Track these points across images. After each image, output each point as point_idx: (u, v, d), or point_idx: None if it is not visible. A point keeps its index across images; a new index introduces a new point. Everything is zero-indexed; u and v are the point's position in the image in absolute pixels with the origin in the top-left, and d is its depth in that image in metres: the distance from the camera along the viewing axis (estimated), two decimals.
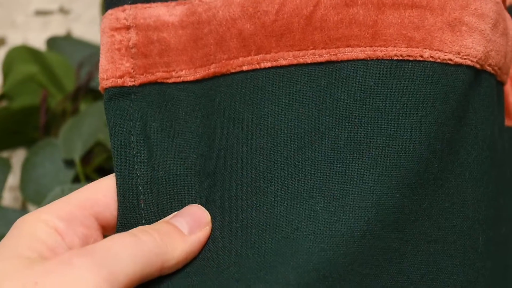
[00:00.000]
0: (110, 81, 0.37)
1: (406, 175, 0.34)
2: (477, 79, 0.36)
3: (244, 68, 0.35)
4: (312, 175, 0.34)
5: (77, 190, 0.35)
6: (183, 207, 0.36)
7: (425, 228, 0.35)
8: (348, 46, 0.34)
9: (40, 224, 0.32)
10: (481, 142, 0.37)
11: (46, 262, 0.30)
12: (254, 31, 0.35)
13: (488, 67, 0.37)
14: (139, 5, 0.37)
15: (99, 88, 0.38)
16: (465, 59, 0.35)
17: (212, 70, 0.36)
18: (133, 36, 0.37)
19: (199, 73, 0.36)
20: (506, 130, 0.49)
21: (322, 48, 0.35)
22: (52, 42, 0.70)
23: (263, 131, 0.35)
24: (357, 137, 0.34)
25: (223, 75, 0.36)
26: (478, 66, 0.36)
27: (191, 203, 0.36)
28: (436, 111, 0.35)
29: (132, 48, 0.37)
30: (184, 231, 0.34)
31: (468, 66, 0.36)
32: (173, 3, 0.37)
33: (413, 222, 0.34)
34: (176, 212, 0.35)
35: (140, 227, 0.34)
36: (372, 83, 0.34)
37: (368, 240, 0.33)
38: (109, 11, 0.37)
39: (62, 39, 0.72)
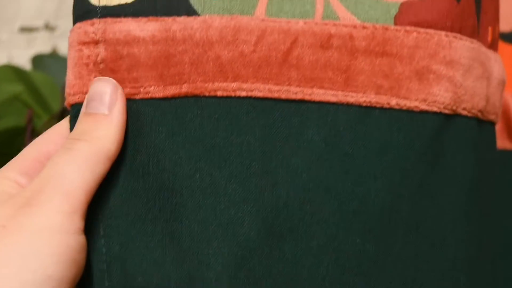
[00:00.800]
0: (77, 97, 0.36)
1: (368, 221, 0.35)
2: (451, 124, 0.37)
3: (219, 93, 0.35)
4: (283, 214, 0.35)
5: (32, 143, 0.37)
6: (143, 221, 0.35)
7: (399, 271, 0.35)
8: (322, 88, 0.35)
9: (4, 180, 0.35)
10: (461, 184, 0.37)
11: (6, 207, 0.33)
12: (232, 58, 0.35)
13: (463, 111, 0.37)
14: (109, 19, 0.36)
15: (65, 103, 0.37)
16: (431, 106, 0.36)
17: (184, 89, 0.35)
18: (101, 51, 0.36)
19: (169, 91, 0.36)
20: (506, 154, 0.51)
21: (297, 86, 0.35)
22: (38, 60, 0.69)
23: (237, 160, 0.35)
24: (326, 180, 0.35)
25: (195, 96, 0.36)
26: (447, 111, 0.36)
27: (153, 219, 0.35)
28: (400, 157, 0.36)
29: (100, 63, 0.36)
30: (103, 112, 0.35)
31: (435, 113, 0.36)
32: (144, 19, 0.36)
33: (382, 266, 0.35)
34: (86, 98, 0.36)
35: (69, 137, 0.35)
36: (341, 128, 0.35)
37: (329, 285, 0.34)
38: (78, 25, 0.37)
39: (48, 56, 0.70)
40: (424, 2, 0.36)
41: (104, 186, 0.35)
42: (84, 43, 0.36)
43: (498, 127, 0.45)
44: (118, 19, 0.36)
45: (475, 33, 0.38)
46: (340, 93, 0.35)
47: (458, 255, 0.37)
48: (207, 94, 0.35)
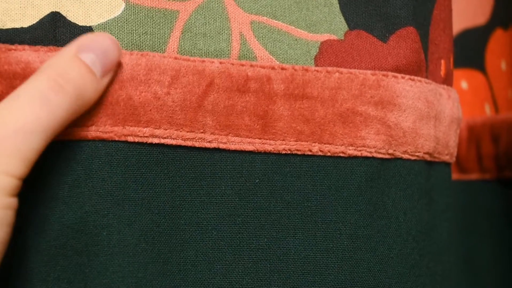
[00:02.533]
0: None
1: (289, 280, 0.33)
2: (390, 169, 0.35)
3: (130, 139, 0.32)
4: (192, 276, 0.32)
5: None
6: (45, 282, 0.31)
7: None
8: (238, 136, 0.33)
9: None
10: (405, 234, 0.35)
11: None
12: (145, 100, 0.32)
13: (403, 155, 0.35)
14: (1, 46, 0.31)
15: None
16: (360, 150, 0.34)
17: (93, 133, 0.32)
18: None
19: (74, 134, 0.32)
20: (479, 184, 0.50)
21: (212, 133, 0.33)
22: None
23: (147, 216, 0.32)
24: (239, 237, 0.33)
25: (104, 141, 0.32)
26: (381, 156, 0.34)
27: (55, 280, 0.31)
28: (324, 208, 0.33)
29: None
30: (97, 73, 0.31)
31: (366, 158, 0.34)
32: (45, 49, 0.32)
33: None
34: (85, 38, 0.31)
35: (50, 80, 0.30)
36: (257, 181, 0.33)
37: None
38: None
39: None
40: (344, 43, 0.35)
41: (7, 241, 0.29)
42: None
43: None
44: (12, 46, 0.31)
45: (421, 69, 0.36)
46: (257, 141, 0.33)
47: None
48: (116, 138, 0.32)
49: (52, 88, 0.29)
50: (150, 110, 0.32)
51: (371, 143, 0.34)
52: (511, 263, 0.49)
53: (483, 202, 0.50)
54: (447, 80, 0.40)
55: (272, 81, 0.33)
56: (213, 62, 0.33)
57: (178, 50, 0.33)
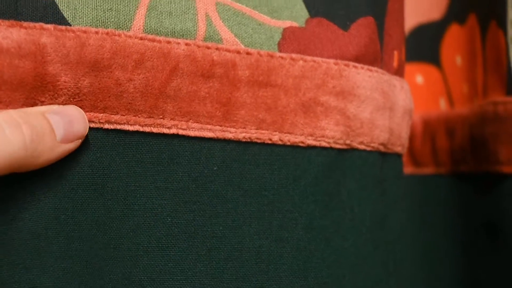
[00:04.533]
0: None
1: (242, 268, 0.32)
2: (346, 159, 0.35)
3: (91, 125, 0.31)
4: (144, 262, 0.31)
5: None
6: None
7: None
8: (198, 122, 0.32)
9: None
10: (359, 224, 0.35)
11: None
12: (106, 86, 0.31)
13: (359, 145, 0.35)
14: None
15: None
16: (319, 141, 0.34)
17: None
18: None
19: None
20: (433, 178, 0.50)
21: (171, 119, 0.32)
22: None
23: (99, 201, 0.31)
24: (194, 224, 0.32)
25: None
26: (339, 146, 0.34)
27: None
28: (281, 197, 0.33)
29: None
30: (58, 136, 0.30)
31: (324, 148, 0.34)
32: (6, 23, 0.30)
33: None
34: (58, 107, 0.30)
35: (10, 115, 0.28)
36: (215, 167, 0.32)
37: None
38: None
39: None
40: (307, 30, 0.34)
41: None
42: None
43: None
44: None
45: (377, 60, 0.36)
46: (217, 128, 0.32)
47: None
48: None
49: (9, 122, 0.28)
50: (109, 97, 0.31)
51: (330, 134, 0.34)
52: (464, 256, 0.49)
53: (439, 195, 0.50)
54: (399, 72, 0.40)
55: (237, 66, 0.32)
56: (179, 43, 0.32)
57: (144, 29, 0.32)
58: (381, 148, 0.36)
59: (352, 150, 0.35)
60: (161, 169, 0.32)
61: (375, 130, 0.35)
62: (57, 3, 0.31)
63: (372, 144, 0.35)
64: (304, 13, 0.34)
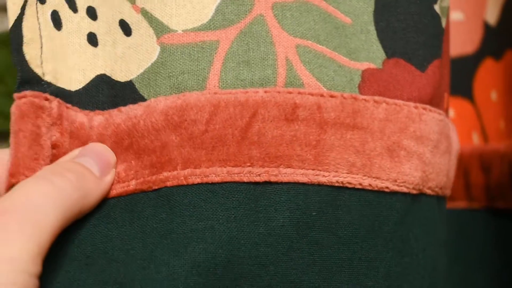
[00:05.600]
0: (22, 179, 0.31)
1: None
2: (416, 204, 0.34)
3: (168, 183, 0.31)
4: None
5: None
6: None
7: None
8: (289, 167, 0.31)
9: None
10: (423, 270, 0.35)
11: None
12: (180, 142, 0.31)
13: (427, 190, 0.35)
14: (62, 102, 0.32)
15: (6, 184, 0.32)
16: (401, 186, 0.33)
17: (132, 187, 0.32)
18: (56, 135, 0.32)
19: (117, 190, 0.32)
20: (466, 213, 0.49)
21: (260, 166, 0.31)
22: None
23: (200, 246, 0.30)
24: (293, 273, 0.31)
25: (144, 192, 0.32)
26: (414, 191, 0.34)
27: None
28: (367, 245, 0.32)
29: (53, 148, 0.32)
30: (95, 173, 0.31)
31: (403, 193, 0.34)
32: (92, 113, 0.33)
33: None
34: (80, 150, 0.32)
35: (49, 169, 0.31)
36: (314, 213, 0.31)
37: None
38: (28, 93, 0.31)
39: None
40: (384, 72, 0.33)
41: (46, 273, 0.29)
42: (40, 118, 0.31)
43: None
44: (70, 106, 0.32)
45: (440, 103, 0.36)
46: (310, 172, 0.31)
47: None
48: (155, 187, 0.31)
49: (54, 172, 0.30)
50: (187, 151, 0.31)
51: (410, 179, 0.33)
52: None
53: (472, 231, 0.50)
54: (447, 113, 0.39)
55: (322, 109, 0.32)
56: (257, 92, 0.31)
57: (219, 84, 0.31)
58: (440, 192, 0.36)
59: (421, 195, 0.35)
60: (261, 216, 0.31)
61: (440, 175, 0.35)
62: (133, 82, 0.32)
63: (436, 189, 0.35)
64: (381, 54, 0.34)
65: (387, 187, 0.33)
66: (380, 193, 0.33)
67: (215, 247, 0.30)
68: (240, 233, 0.31)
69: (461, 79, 0.52)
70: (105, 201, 0.32)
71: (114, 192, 0.32)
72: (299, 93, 0.32)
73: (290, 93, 0.31)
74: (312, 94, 0.32)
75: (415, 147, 0.33)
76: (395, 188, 0.33)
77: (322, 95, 0.32)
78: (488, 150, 0.50)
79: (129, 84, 0.32)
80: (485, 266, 0.49)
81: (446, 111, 0.39)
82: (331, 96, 0.32)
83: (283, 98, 0.31)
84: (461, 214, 0.50)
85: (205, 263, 0.30)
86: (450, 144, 0.36)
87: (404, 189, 0.33)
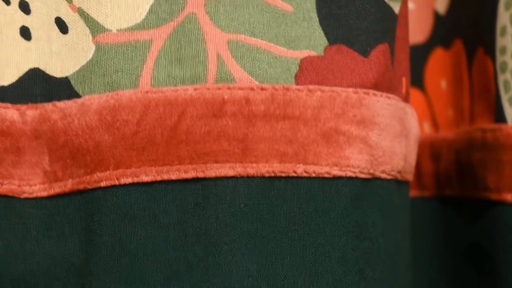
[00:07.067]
0: None
1: None
2: (369, 188, 0.35)
3: (102, 184, 0.32)
4: None
5: None
6: None
7: None
8: (217, 162, 0.32)
9: None
10: (384, 255, 0.35)
11: None
12: (112, 142, 0.32)
13: (381, 174, 0.35)
14: None
15: None
16: (345, 170, 0.33)
17: (69, 186, 0.33)
18: None
19: (55, 189, 0.33)
20: (417, 201, 0.50)
21: (188, 163, 0.32)
22: None
23: (127, 257, 0.32)
24: (227, 266, 0.32)
25: (80, 192, 0.33)
26: (363, 175, 0.34)
27: None
28: (311, 231, 0.33)
29: None
30: None
31: (350, 178, 0.34)
32: (24, 107, 0.33)
33: None
34: None
35: None
36: (242, 205, 0.32)
37: None
38: None
39: None
40: (325, 59, 0.34)
41: None
42: None
43: None
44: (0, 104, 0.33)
45: (391, 87, 0.36)
46: (238, 165, 0.32)
47: None
48: (89, 187, 0.32)
49: None
50: (119, 151, 0.31)
51: (355, 163, 0.33)
52: (448, 283, 0.50)
53: (422, 219, 0.51)
54: (407, 98, 0.40)
55: (250, 102, 0.32)
56: (187, 89, 0.32)
57: (151, 83, 0.32)
58: (398, 176, 0.36)
59: (375, 179, 0.35)
60: (188, 217, 0.32)
61: (395, 158, 0.35)
62: (69, 78, 0.33)
63: (392, 173, 0.35)
64: (323, 41, 0.34)
65: (327, 173, 0.33)
66: (321, 180, 0.33)
67: (141, 255, 0.32)
68: (166, 239, 0.31)
69: (412, 68, 0.52)
70: (43, 205, 0.33)
71: (52, 191, 0.33)
72: (228, 88, 0.32)
73: (219, 89, 0.32)
74: (241, 89, 0.32)
75: (356, 131, 0.33)
76: (338, 173, 0.33)
77: (252, 89, 0.32)
78: (438, 138, 0.50)
79: (65, 80, 0.33)
80: (433, 254, 0.50)
81: (406, 96, 0.39)
82: (262, 89, 0.32)
83: (211, 95, 0.32)
84: (413, 203, 0.51)
85: (132, 272, 0.31)
86: (405, 128, 0.36)
87: (350, 174, 0.33)
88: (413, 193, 0.51)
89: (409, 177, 0.38)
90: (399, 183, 0.37)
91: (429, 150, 0.50)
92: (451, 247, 0.49)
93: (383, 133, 0.34)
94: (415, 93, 0.52)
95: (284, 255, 0.32)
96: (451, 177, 0.49)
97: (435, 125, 0.52)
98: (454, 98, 0.51)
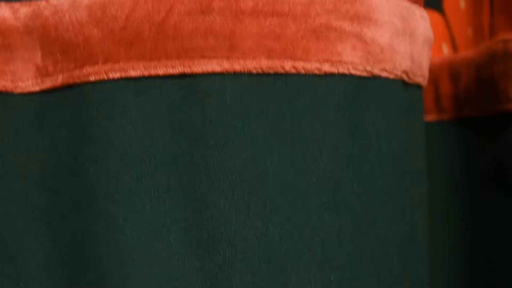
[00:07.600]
0: None
1: (268, 201, 0.31)
2: (369, 87, 0.33)
3: (91, 78, 0.32)
4: (165, 202, 0.32)
5: None
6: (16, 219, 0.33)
7: (316, 256, 0.32)
8: (204, 58, 0.31)
9: None
10: (387, 154, 0.34)
11: None
12: (101, 37, 0.32)
13: (382, 73, 0.34)
14: None
15: None
16: (336, 66, 0.32)
17: (60, 80, 0.33)
18: None
19: (47, 84, 0.33)
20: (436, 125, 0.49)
21: (176, 58, 0.31)
22: None
23: (113, 149, 0.32)
24: (213, 160, 0.31)
25: (71, 86, 0.33)
26: (359, 73, 0.33)
27: (24, 218, 0.33)
28: (301, 128, 0.32)
29: None
30: None
31: (344, 75, 0.33)
32: (18, 4, 0.33)
33: (290, 250, 0.32)
34: None
35: None
36: (228, 101, 0.31)
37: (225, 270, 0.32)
38: None
39: None
40: None
41: None
42: None
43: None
44: None
45: None
46: (225, 61, 0.31)
47: (389, 235, 0.34)
48: (78, 81, 0.32)
49: None
50: (108, 46, 0.32)
51: (347, 59, 0.32)
52: (463, 208, 0.49)
53: (441, 142, 0.50)
54: (418, 2, 0.38)
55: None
56: None
57: None
58: (404, 77, 0.35)
59: (374, 77, 0.33)
60: (175, 111, 0.31)
61: (396, 57, 0.34)
62: None
63: (395, 71, 0.34)
64: None
65: (317, 69, 0.32)
66: (312, 76, 0.32)
67: (126, 147, 0.32)
68: (152, 132, 0.32)
69: None
70: (37, 100, 0.33)
71: (43, 86, 0.33)
72: None
73: None
74: None
75: (350, 28, 0.32)
76: (329, 69, 0.32)
77: None
78: (457, 58, 0.49)
79: None
80: (451, 175, 0.49)
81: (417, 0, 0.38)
82: None
83: None
84: (430, 126, 0.50)
85: (116, 162, 0.32)
86: (409, 26, 0.35)
87: (343, 70, 0.32)
88: (432, 117, 0.50)
89: (420, 80, 0.37)
90: (406, 85, 0.36)
91: (448, 71, 0.49)
92: (470, 169, 0.48)
93: (380, 30, 0.33)
94: (433, 16, 0.51)
95: (272, 152, 0.31)
96: (471, 96, 0.47)
97: (454, 46, 0.50)
98: (473, 17, 0.49)
